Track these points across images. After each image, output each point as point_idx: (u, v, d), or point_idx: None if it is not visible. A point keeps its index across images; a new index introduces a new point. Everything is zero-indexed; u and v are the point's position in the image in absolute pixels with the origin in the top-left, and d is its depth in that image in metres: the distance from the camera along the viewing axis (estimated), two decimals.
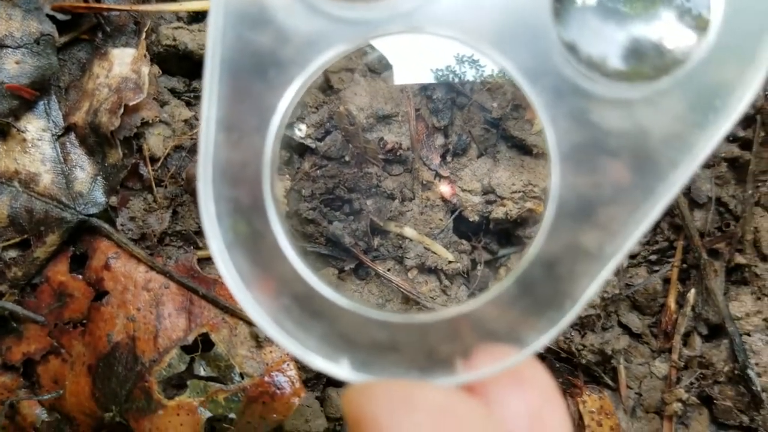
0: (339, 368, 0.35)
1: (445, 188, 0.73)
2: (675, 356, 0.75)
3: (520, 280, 0.36)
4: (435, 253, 0.74)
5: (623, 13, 0.34)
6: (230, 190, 0.36)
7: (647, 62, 0.34)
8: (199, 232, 0.75)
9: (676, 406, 0.73)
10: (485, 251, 0.77)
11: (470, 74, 0.71)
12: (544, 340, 0.35)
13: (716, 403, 0.73)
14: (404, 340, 0.36)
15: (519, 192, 0.72)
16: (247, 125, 0.36)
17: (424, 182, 0.74)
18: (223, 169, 0.35)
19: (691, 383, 0.74)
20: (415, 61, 0.72)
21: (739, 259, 0.74)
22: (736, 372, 0.72)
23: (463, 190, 0.73)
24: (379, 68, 0.74)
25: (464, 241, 0.75)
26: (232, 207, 0.36)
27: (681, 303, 0.75)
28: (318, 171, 0.72)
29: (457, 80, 0.71)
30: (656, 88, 0.34)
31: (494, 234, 0.76)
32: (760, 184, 0.74)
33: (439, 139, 0.75)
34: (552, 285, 0.36)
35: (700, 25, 0.33)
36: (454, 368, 0.35)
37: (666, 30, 0.34)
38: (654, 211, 0.34)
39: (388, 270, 0.74)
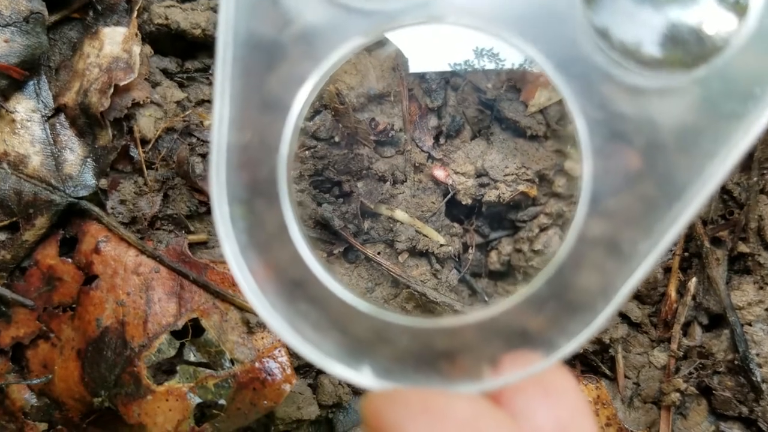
0: (360, 375, 0.34)
1: (439, 172, 0.72)
2: (674, 346, 0.73)
3: (551, 281, 0.34)
4: (426, 236, 0.73)
5: None
6: (244, 192, 0.35)
7: (685, 49, 0.32)
8: (191, 216, 0.74)
9: (675, 396, 0.72)
10: (477, 234, 0.76)
11: (490, 67, 0.69)
12: (575, 343, 0.33)
13: (715, 394, 0.72)
14: (428, 346, 0.35)
15: (512, 175, 0.71)
16: (260, 124, 0.35)
17: (417, 164, 0.73)
18: (236, 170, 0.34)
19: (690, 373, 0.73)
20: (431, 53, 0.71)
21: (742, 247, 0.72)
22: (736, 362, 0.71)
23: (456, 173, 0.72)
24: (371, 45, 0.72)
25: (456, 224, 0.75)
26: (246, 209, 0.34)
27: (682, 292, 0.74)
28: (306, 152, 0.71)
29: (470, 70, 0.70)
30: (693, 76, 0.32)
31: (486, 217, 0.76)
32: (765, 171, 0.72)
33: (433, 120, 0.74)
34: (584, 285, 0.34)
35: (739, 9, 0.32)
36: (480, 375, 0.34)
37: (705, 14, 0.32)
38: (691, 206, 0.32)
39: (378, 253, 0.73)
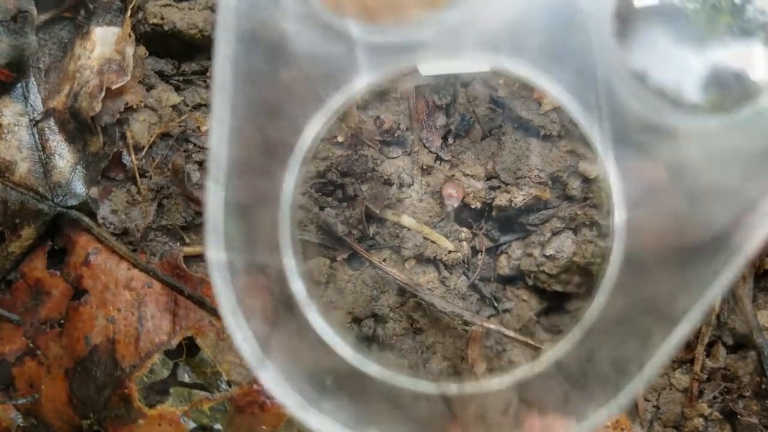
0: None
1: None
2: (697, 368, 0.70)
3: (581, 344, 0.32)
4: (435, 242, 0.70)
5: (697, 34, 0.30)
6: (243, 240, 0.32)
7: (728, 92, 0.30)
8: (186, 227, 0.71)
9: (698, 422, 0.69)
10: (486, 238, 0.73)
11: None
12: (605, 412, 0.31)
13: (740, 419, 0.69)
14: (444, 412, 0.33)
15: (525, 177, 0.69)
16: (262, 166, 0.33)
17: (424, 166, 0.71)
18: (235, 216, 0.32)
19: (715, 397, 0.69)
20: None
21: None
22: (763, 386, 0.68)
23: (465, 175, 0.70)
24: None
25: (464, 229, 0.72)
26: (246, 260, 0.32)
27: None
28: (308, 153, 0.68)
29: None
30: (734, 118, 0.30)
31: (496, 220, 0.73)
32: None
33: (441, 119, 0.72)
34: (615, 347, 0.32)
35: None
36: None
37: (749, 56, 0.30)
38: (740, 254, 0.29)
39: (384, 260, 0.71)
